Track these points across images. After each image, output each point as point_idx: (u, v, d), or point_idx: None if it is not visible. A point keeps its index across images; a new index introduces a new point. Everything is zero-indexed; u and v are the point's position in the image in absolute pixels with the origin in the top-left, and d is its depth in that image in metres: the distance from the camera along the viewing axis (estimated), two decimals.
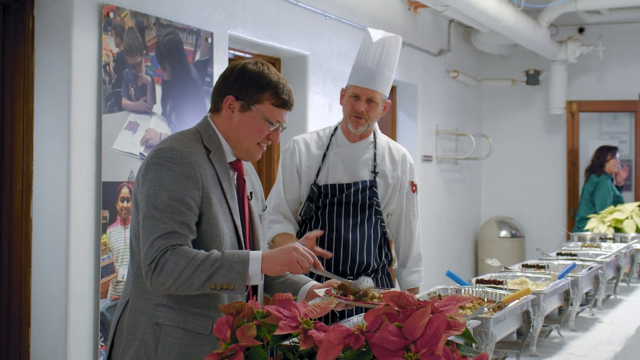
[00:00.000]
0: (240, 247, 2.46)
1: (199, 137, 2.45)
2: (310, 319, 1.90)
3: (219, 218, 2.40)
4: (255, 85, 2.41)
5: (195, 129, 2.49)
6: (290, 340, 1.93)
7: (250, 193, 2.60)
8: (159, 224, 2.29)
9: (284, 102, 2.45)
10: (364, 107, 3.33)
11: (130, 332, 2.38)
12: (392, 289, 2.88)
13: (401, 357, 1.67)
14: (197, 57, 4.46)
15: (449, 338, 1.78)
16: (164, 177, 2.33)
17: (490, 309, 2.55)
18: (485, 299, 2.75)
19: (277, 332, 1.86)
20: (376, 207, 3.43)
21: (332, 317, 3.23)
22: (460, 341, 1.90)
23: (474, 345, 2.09)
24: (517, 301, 2.62)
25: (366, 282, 2.45)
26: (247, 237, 2.52)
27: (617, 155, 7.76)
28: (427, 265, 3.62)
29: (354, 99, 3.35)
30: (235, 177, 2.51)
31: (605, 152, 7.75)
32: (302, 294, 2.54)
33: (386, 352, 1.69)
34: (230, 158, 2.50)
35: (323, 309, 1.97)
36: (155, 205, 2.31)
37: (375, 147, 3.47)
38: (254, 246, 2.55)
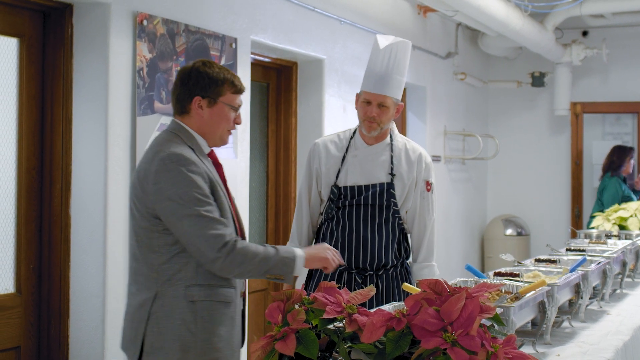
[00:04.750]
0: (234, 225, 2.83)
1: (180, 139, 2.77)
2: (353, 305, 2.12)
3: (224, 204, 2.76)
4: (215, 82, 2.78)
5: (172, 133, 2.80)
6: (334, 324, 2.13)
7: None
8: (204, 219, 2.64)
9: (239, 89, 2.85)
10: (375, 112, 3.46)
11: (167, 317, 2.69)
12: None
13: (439, 337, 1.88)
14: (223, 62, 4.66)
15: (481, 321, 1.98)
16: (180, 180, 2.66)
17: (509, 299, 2.75)
18: (503, 291, 2.95)
19: (325, 316, 2.07)
20: (394, 208, 3.53)
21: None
22: (489, 324, 2.11)
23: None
24: (533, 292, 2.80)
25: None
26: (235, 214, 2.88)
27: (634, 156, 7.89)
28: (436, 263, 3.76)
29: (366, 105, 3.47)
30: (211, 164, 2.86)
31: (626, 153, 7.84)
32: None
33: (426, 333, 1.90)
34: (206, 150, 2.84)
35: (364, 295, 2.18)
36: (190, 202, 2.64)
37: (391, 150, 3.57)
38: (239, 221, 2.91)
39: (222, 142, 2.89)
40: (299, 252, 2.81)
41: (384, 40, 3.50)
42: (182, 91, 2.80)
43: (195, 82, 2.78)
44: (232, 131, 2.93)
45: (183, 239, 2.67)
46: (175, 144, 2.73)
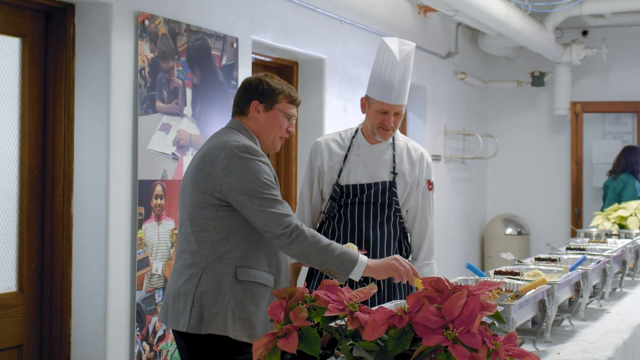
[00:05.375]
0: None
1: (242, 134, 3.01)
2: (355, 302, 2.13)
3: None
4: (272, 90, 3.05)
5: (235, 130, 3.04)
6: (336, 322, 2.15)
7: None
8: (272, 200, 2.89)
9: (294, 99, 3.11)
10: (393, 121, 3.49)
11: (217, 292, 2.90)
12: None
13: (441, 335, 1.89)
14: (224, 62, 4.68)
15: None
16: (251, 167, 2.90)
17: (509, 298, 2.76)
18: (504, 289, 2.96)
19: (327, 314, 2.08)
20: (395, 206, 3.56)
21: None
22: (490, 321, 2.12)
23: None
24: (533, 291, 2.81)
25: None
26: None
27: None
28: (435, 262, 3.78)
29: (382, 114, 3.47)
30: None
31: None
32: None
33: (427, 331, 1.90)
34: None
35: (366, 293, 2.19)
36: (259, 185, 2.88)
37: (394, 149, 3.59)
38: None
39: (274, 148, 3.14)
40: (363, 258, 2.98)
41: (397, 48, 3.47)
42: (242, 96, 3.08)
43: (255, 88, 3.05)
44: None
45: (251, 216, 2.89)
46: (243, 136, 3.00)
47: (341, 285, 2.22)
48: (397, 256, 3.04)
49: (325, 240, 2.93)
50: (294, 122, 3.15)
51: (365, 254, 3.16)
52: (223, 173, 2.90)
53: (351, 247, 3.20)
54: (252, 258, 2.96)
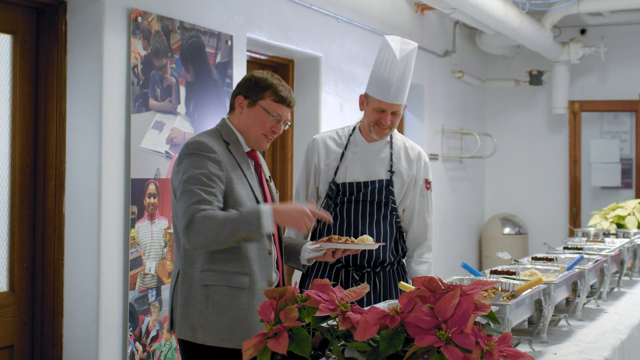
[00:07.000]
0: None
1: (219, 134, 2.97)
2: (347, 302, 2.09)
3: (242, 196, 2.88)
4: (259, 85, 2.96)
5: (215, 129, 3.02)
6: (327, 322, 2.11)
7: (269, 177, 3.16)
8: (191, 194, 2.78)
9: (282, 99, 2.97)
10: (390, 120, 3.47)
11: (186, 295, 2.88)
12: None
13: (433, 335, 1.85)
14: (218, 59, 4.64)
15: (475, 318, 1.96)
16: (193, 161, 2.82)
17: (505, 297, 2.73)
18: (500, 289, 2.93)
19: (318, 314, 2.04)
20: (392, 205, 3.55)
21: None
22: (484, 321, 2.09)
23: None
24: (529, 290, 2.79)
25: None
26: None
27: None
28: (433, 261, 3.76)
29: (379, 112, 3.46)
30: (253, 164, 3.03)
31: None
32: (304, 251, 3.13)
33: (420, 331, 1.87)
34: (246, 149, 3.00)
35: (358, 293, 2.15)
36: (188, 181, 2.80)
37: (391, 147, 3.59)
38: None
39: (258, 145, 3.01)
40: (265, 207, 2.80)
41: (397, 47, 3.46)
42: (234, 90, 3.04)
43: (243, 82, 3.01)
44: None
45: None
46: (208, 135, 2.94)
47: (333, 285, 2.18)
48: (302, 206, 2.86)
49: (220, 214, 2.76)
50: (283, 124, 3.00)
51: (382, 245, 3.31)
52: (175, 171, 2.90)
53: (367, 240, 3.16)
54: (218, 261, 2.87)
